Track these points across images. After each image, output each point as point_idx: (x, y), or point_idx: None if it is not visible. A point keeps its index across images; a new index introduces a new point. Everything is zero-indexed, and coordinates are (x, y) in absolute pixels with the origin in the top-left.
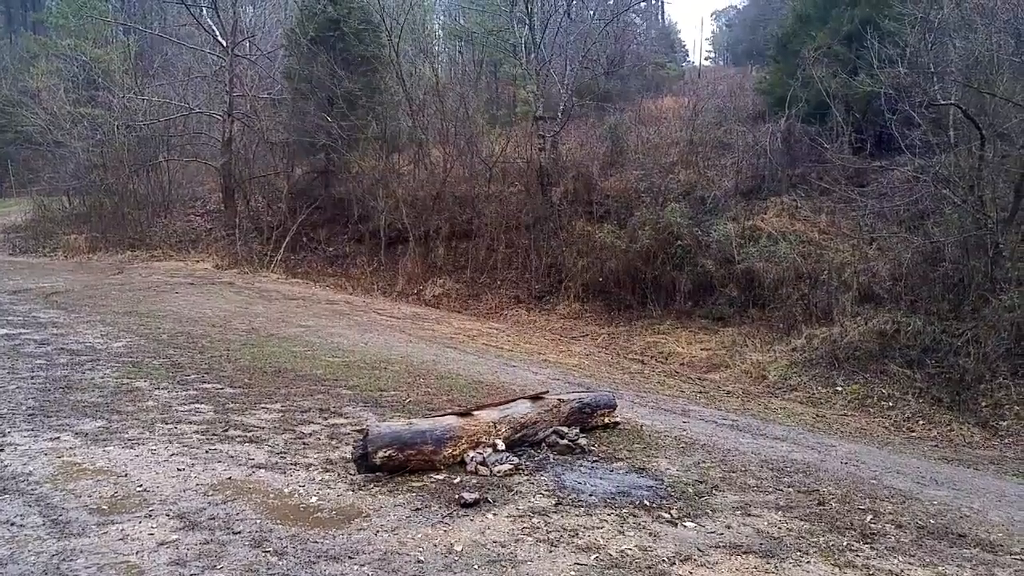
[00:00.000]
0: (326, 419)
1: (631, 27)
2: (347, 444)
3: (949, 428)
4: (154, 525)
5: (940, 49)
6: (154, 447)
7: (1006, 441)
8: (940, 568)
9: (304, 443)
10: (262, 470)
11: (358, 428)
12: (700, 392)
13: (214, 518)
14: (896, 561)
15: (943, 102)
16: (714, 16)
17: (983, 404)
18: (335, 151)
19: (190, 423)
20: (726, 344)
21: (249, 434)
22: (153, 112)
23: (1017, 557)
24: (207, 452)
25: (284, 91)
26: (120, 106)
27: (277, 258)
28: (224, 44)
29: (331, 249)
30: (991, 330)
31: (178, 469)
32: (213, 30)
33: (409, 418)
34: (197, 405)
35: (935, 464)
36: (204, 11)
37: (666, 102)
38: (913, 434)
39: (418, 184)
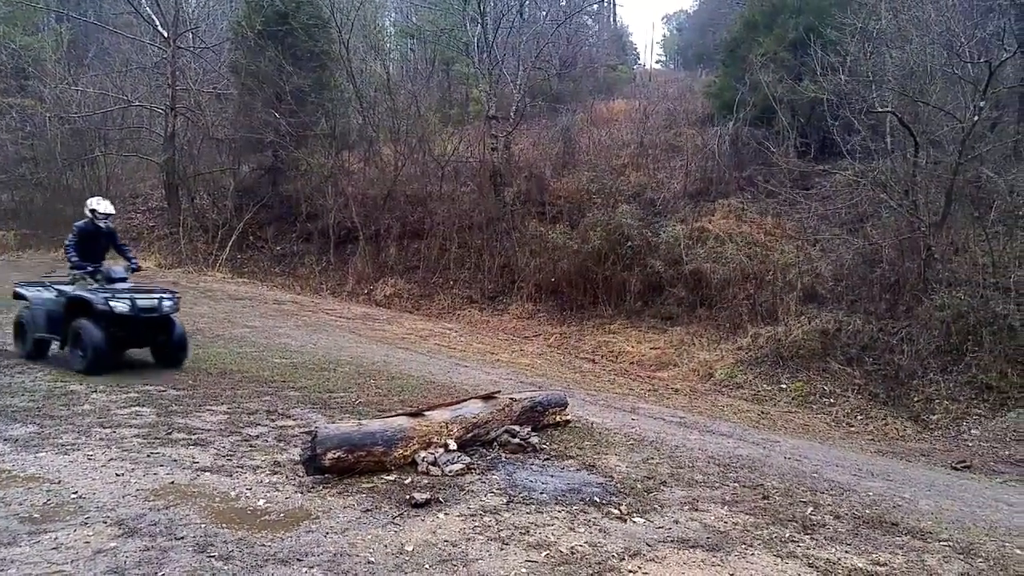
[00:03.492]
0: (274, 421)
1: (583, 29)
2: (295, 446)
3: (885, 423)
4: (90, 533)
5: (878, 58)
6: (90, 452)
7: (935, 434)
8: (875, 555)
9: (251, 445)
10: (207, 473)
11: (306, 430)
12: (649, 390)
13: (155, 524)
14: (834, 550)
15: (881, 109)
16: (665, 20)
17: (915, 399)
18: (283, 148)
19: (130, 427)
20: (675, 343)
21: (193, 437)
22: (89, 104)
23: (945, 543)
24: (148, 456)
25: (230, 86)
26: (52, 97)
27: (223, 257)
28: (165, 35)
29: (279, 248)
30: (924, 328)
31: (116, 474)
32: (153, 20)
33: (359, 419)
34: (138, 408)
35: (871, 457)
36: (144, 0)
37: (617, 104)
38: (852, 429)
39: (368, 182)
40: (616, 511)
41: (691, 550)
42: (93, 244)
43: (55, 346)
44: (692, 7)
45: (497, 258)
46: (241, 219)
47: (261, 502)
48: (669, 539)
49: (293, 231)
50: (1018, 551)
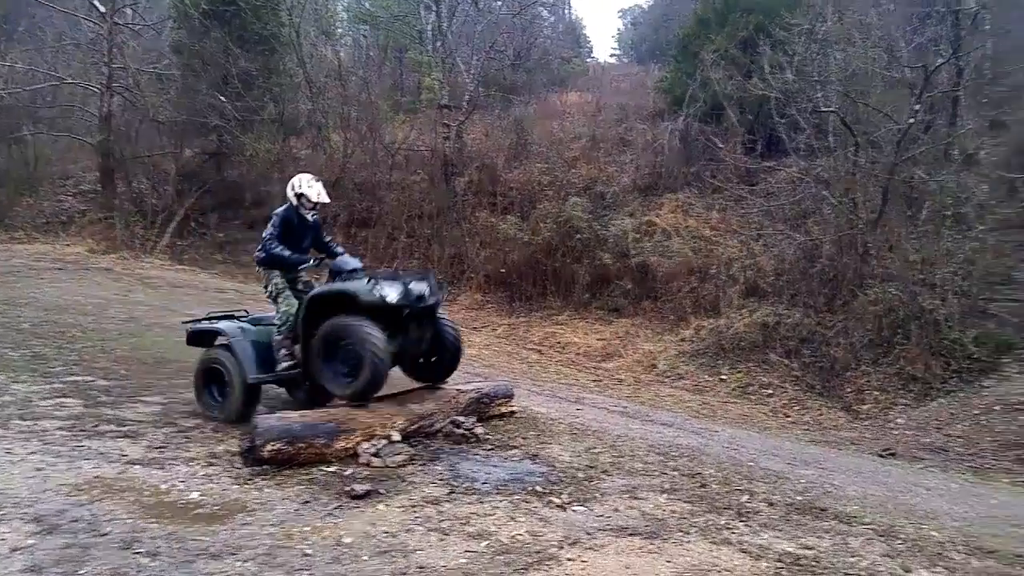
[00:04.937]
0: None
1: (539, 20)
2: (234, 437)
3: (819, 413)
4: (7, 530)
5: (824, 59)
6: (8, 445)
7: (865, 423)
8: (803, 540)
9: (186, 437)
10: (137, 466)
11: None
12: (594, 380)
13: (77, 520)
14: (767, 536)
15: (825, 109)
16: (621, 14)
17: (848, 390)
18: (228, 133)
19: (54, 419)
20: (620, 334)
21: (124, 429)
22: (17, 80)
23: (868, 527)
24: (73, 450)
25: (173, 66)
26: None
27: (162, 243)
28: (102, 10)
29: (222, 235)
30: (858, 322)
31: (36, 469)
32: None
33: (302, 411)
34: (63, 399)
35: (805, 446)
36: None
37: (571, 97)
38: (788, 419)
39: (316, 169)
40: (557, 500)
41: (629, 538)
42: (294, 239)
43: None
44: (647, 2)
45: (447, 248)
46: (183, 204)
47: (194, 495)
48: (608, 527)
49: (237, 218)
50: (934, 533)
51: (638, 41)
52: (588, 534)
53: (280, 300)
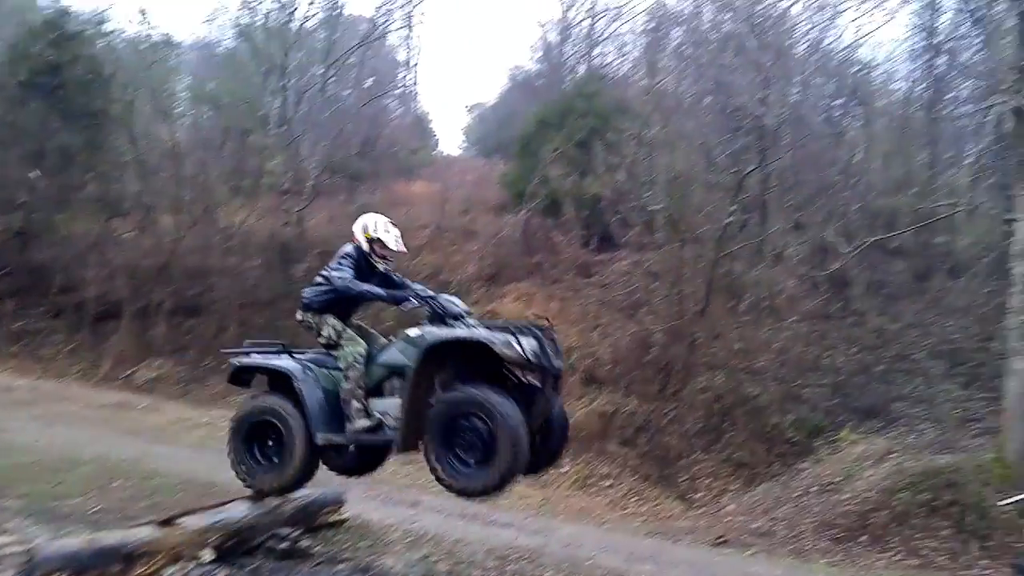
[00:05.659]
0: None
1: (387, 111)
2: (7, 570)
3: (656, 503)
4: None
5: (651, 162)
6: None
7: (699, 511)
8: None
9: None
10: None
11: (25, 548)
12: (432, 480)
13: None
14: None
15: (652, 207)
16: (468, 109)
17: (682, 478)
18: (39, 211)
19: None
20: None
21: None
22: None
23: None
24: None
25: None
26: None
27: None
28: None
29: (19, 324)
30: (689, 409)
31: None
32: None
33: (94, 532)
34: None
35: (643, 539)
36: None
37: (417, 187)
38: (627, 511)
39: (142, 253)
40: None
41: None
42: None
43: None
44: (493, 100)
45: (282, 337)
46: None
47: None
48: None
49: (41, 305)
50: None
51: (483, 136)
52: None
53: (343, 341)
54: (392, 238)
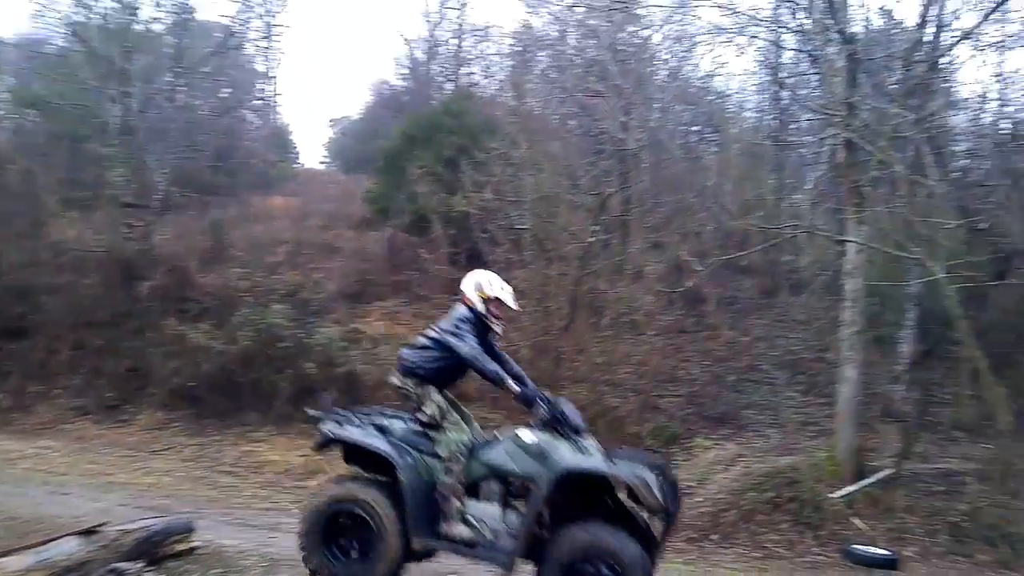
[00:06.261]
0: None
1: (244, 123)
2: None
3: None
4: None
5: (518, 181)
6: None
7: None
8: None
9: None
10: None
11: None
12: (295, 502)
13: None
14: None
15: (519, 227)
16: (331, 123)
17: None
18: None
19: None
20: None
21: None
22: None
23: None
24: None
25: None
26: None
27: None
28: None
29: None
30: None
31: None
32: None
33: None
34: None
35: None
36: None
37: (276, 201)
38: None
39: None
40: None
41: None
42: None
43: None
44: (357, 114)
45: (123, 360)
46: None
47: None
48: None
49: None
50: None
51: (346, 151)
52: None
53: (448, 425)
54: (510, 297)
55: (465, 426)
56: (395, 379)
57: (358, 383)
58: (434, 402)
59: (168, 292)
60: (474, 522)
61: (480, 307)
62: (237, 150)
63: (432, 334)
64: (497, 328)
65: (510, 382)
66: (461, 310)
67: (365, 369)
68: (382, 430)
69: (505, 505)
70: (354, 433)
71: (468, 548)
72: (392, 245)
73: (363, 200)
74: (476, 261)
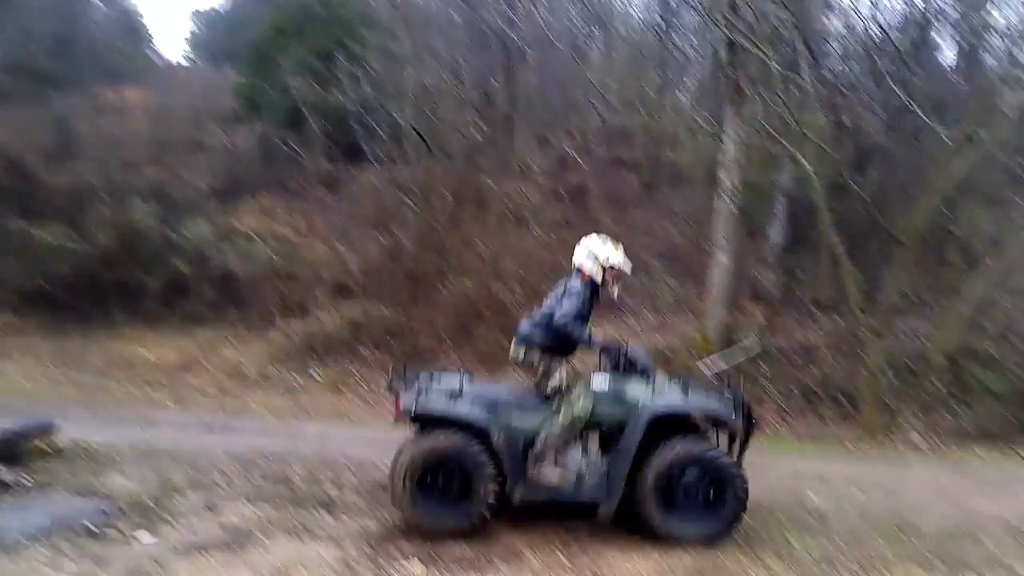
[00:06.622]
0: None
1: (87, 7)
2: None
3: None
4: None
5: (400, 75)
6: None
7: None
8: (390, 517)
9: None
10: None
11: None
12: (171, 397)
13: None
14: (354, 523)
15: (401, 122)
16: (195, 15)
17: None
18: None
19: None
20: (202, 345)
21: None
22: None
23: None
24: None
25: None
26: None
27: None
28: None
29: None
30: (441, 313)
31: None
32: None
33: None
34: None
35: (395, 431)
36: None
37: (132, 94)
38: (380, 408)
39: None
40: (117, 533)
41: (206, 554)
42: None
43: None
44: (223, 5)
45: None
46: None
47: None
48: (181, 549)
49: None
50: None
51: (212, 42)
52: (158, 562)
53: (576, 397)
54: (626, 261)
55: (589, 395)
56: (519, 353)
57: (235, 281)
58: (565, 373)
59: (9, 192)
60: (565, 469)
61: (597, 276)
62: (79, 36)
63: (547, 309)
64: (614, 293)
65: (599, 344)
66: (575, 284)
67: (241, 266)
68: (453, 395)
69: (585, 449)
70: (440, 407)
71: (572, 493)
72: (264, 141)
73: (232, 94)
74: (356, 157)
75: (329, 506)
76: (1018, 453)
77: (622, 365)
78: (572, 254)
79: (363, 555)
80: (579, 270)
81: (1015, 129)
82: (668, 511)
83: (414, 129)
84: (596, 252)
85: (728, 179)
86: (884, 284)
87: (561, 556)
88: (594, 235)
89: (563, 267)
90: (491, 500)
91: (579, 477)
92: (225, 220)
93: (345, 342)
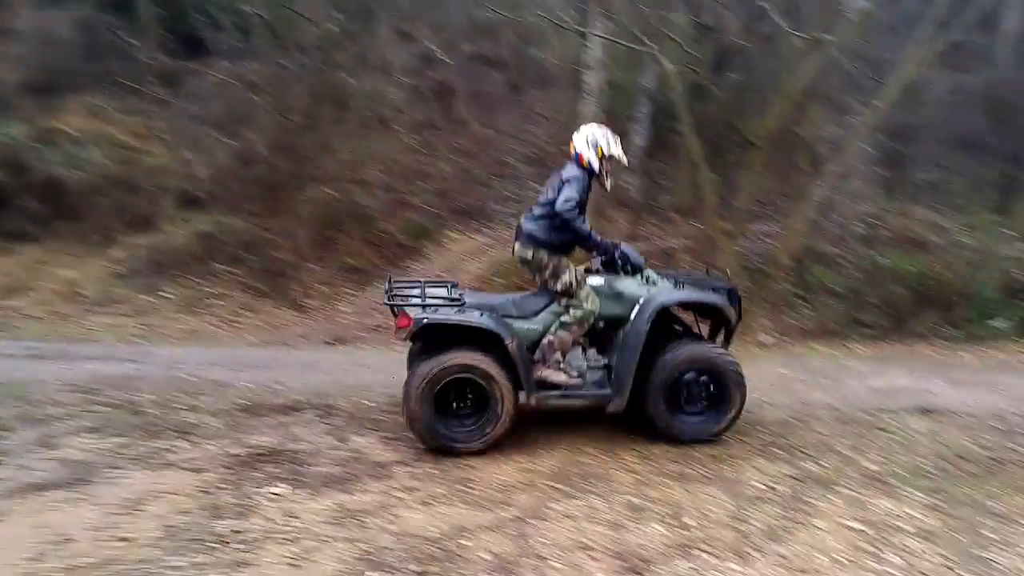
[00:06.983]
0: None
1: None
2: None
3: (269, 315)
4: None
5: None
6: None
7: (315, 316)
8: (254, 439)
9: None
10: None
11: None
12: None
13: None
14: (212, 447)
15: (246, 9)
16: None
17: (296, 288)
18: None
19: None
20: (28, 265)
21: None
22: None
23: (315, 411)
24: None
25: None
26: None
27: None
28: None
29: None
30: (299, 223)
31: None
32: None
33: None
34: None
35: (256, 350)
36: None
37: None
38: (239, 326)
39: None
40: None
41: (45, 494)
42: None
43: None
44: None
45: None
46: None
47: None
48: (15, 490)
49: None
50: (365, 401)
51: None
52: None
53: (583, 295)
54: (623, 153)
55: (597, 295)
56: (526, 252)
57: (64, 191)
58: (572, 273)
59: None
60: (570, 368)
61: (595, 165)
62: None
63: (545, 200)
64: (607, 185)
65: (595, 238)
66: (572, 169)
67: (70, 174)
68: (454, 302)
69: (585, 348)
70: (448, 316)
71: (582, 391)
72: (87, 28)
73: None
74: (198, 50)
75: (185, 432)
76: (849, 348)
77: (619, 266)
78: (436, 157)
79: (224, 480)
80: (578, 156)
81: (857, 34)
82: (674, 411)
83: (261, 17)
84: (599, 140)
85: (593, 80)
86: (739, 188)
87: (430, 468)
88: (593, 123)
89: (430, 172)
90: (511, 410)
91: (581, 375)
92: (45, 120)
93: (196, 257)
